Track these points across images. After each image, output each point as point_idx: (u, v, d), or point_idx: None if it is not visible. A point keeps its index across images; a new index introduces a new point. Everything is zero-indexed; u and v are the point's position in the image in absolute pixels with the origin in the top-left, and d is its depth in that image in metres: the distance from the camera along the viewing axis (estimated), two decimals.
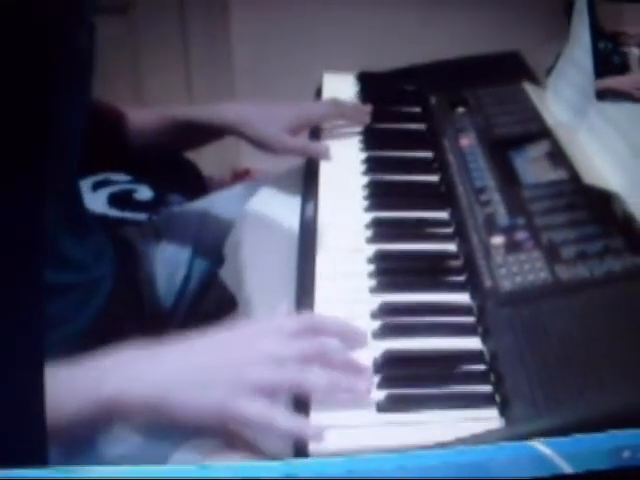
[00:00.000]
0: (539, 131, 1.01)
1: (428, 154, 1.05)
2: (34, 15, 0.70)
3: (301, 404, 0.68)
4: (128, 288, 1.03)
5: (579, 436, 0.59)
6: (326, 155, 1.04)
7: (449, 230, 0.90)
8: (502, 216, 0.87)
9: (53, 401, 0.64)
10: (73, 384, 0.68)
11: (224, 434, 0.72)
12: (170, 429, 0.80)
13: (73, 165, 0.94)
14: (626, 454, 0.59)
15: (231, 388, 0.66)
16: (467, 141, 1.02)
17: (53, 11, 0.75)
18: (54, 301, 0.86)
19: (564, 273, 0.77)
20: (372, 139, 1.09)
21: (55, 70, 0.76)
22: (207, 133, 1.12)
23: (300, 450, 0.65)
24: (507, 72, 1.18)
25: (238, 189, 1.19)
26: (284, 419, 0.66)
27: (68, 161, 0.92)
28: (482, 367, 0.71)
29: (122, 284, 1.01)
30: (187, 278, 1.11)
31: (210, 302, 1.09)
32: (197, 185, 1.39)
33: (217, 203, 1.17)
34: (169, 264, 1.11)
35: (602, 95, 0.97)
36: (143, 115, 1.13)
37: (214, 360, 0.69)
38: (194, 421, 0.68)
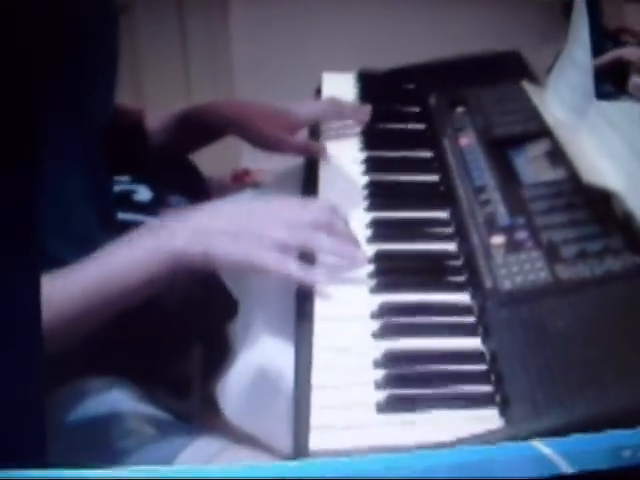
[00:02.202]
0: (539, 130, 1.00)
1: (428, 154, 1.05)
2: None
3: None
4: None
5: (579, 436, 0.59)
6: (324, 154, 1.05)
7: (449, 230, 0.90)
8: (502, 215, 0.86)
9: (127, 266, 0.79)
10: (148, 246, 0.80)
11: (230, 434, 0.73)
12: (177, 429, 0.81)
13: (97, 154, 0.95)
14: (626, 454, 0.59)
15: (254, 242, 0.79)
16: (467, 140, 1.02)
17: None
18: None
19: (564, 273, 0.77)
20: (372, 139, 1.09)
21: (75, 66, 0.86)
22: (207, 132, 1.12)
23: (300, 450, 0.65)
24: (507, 71, 1.18)
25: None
26: (297, 269, 0.79)
27: (94, 153, 0.93)
28: (482, 367, 0.71)
29: None
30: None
31: (211, 302, 1.09)
32: (197, 185, 1.39)
33: None
34: None
35: (609, 68, 0.96)
36: (154, 117, 1.13)
37: (242, 219, 0.82)
38: (232, 266, 0.82)
